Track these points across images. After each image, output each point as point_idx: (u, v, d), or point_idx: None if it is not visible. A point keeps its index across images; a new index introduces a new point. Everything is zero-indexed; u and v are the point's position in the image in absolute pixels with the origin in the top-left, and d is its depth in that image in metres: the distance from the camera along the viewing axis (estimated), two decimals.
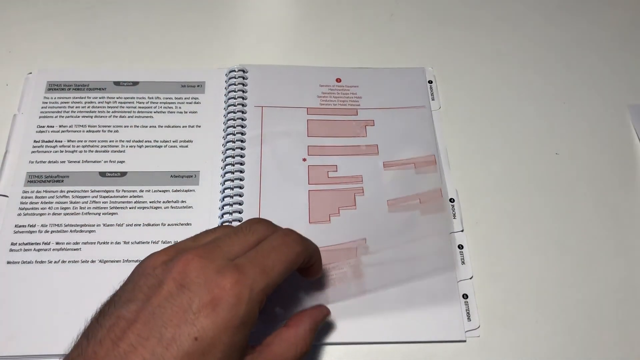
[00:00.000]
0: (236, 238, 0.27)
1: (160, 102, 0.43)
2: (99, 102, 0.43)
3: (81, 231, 0.37)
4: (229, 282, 0.24)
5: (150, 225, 0.38)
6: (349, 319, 0.35)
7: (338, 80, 0.45)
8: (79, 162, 0.40)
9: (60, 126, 0.41)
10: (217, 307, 0.23)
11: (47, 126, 0.41)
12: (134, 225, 0.38)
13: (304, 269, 0.31)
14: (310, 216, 0.38)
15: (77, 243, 0.37)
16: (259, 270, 0.25)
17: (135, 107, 0.43)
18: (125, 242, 0.37)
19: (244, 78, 0.44)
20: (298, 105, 0.43)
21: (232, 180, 0.39)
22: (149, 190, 0.39)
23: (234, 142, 0.41)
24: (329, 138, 0.42)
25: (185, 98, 0.43)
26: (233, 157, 0.40)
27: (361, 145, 0.42)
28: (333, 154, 0.41)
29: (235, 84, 0.44)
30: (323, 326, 0.34)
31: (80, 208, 0.38)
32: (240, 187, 0.39)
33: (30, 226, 0.37)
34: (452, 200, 0.40)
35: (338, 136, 0.42)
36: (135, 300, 0.24)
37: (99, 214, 0.38)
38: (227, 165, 0.40)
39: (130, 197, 0.39)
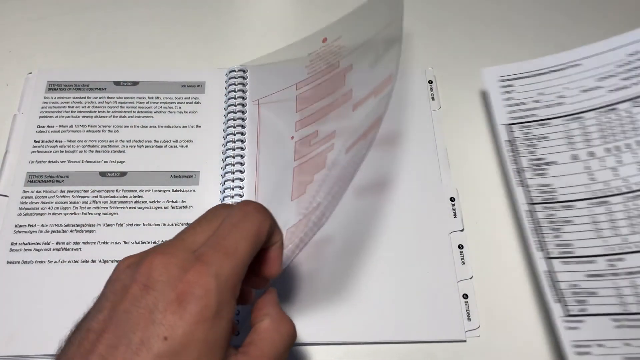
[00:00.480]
0: (199, 227, 0.26)
1: (160, 102, 0.43)
2: (99, 102, 0.43)
3: (81, 231, 0.37)
4: (192, 274, 0.22)
5: (150, 225, 0.38)
6: (349, 319, 0.35)
7: (324, 40, 0.42)
8: (79, 162, 0.40)
9: (60, 126, 0.41)
10: (184, 302, 0.22)
11: (47, 126, 0.41)
12: (134, 225, 0.38)
13: (262, 259, 0.27)
14: (292, 193, 0.37)
15: (77, 243, 0.37)
16: (222, 254, 0.23)
17: (135, 107, 0.43)
18: (125, 242, 0.37)
19: (243, 78, 0.44)
20: (288, 85, 0.42)
21: (232, 180, 0.39)
22: (149, 190, 0.39)
23: (234, 142, 0.41)
24: (313, 105, 0.39)
25: (185, 98, 0.43)
26: (233, 157, 0.40)
27: (338, 98, 0.38)
28: (316, 120, 0.39)
29: (235, 84, 0.44)
30: (324, 326, 0.34)
31: (80, 208, 0.38)
32: (241, 187, 0.39)
33: (30, 226, 0.37)
34: (452, 199, 0.40)
35: (321, 99, 0.39)
36: (102, 310, 0.23)
37: (99, 214, 0.38)
38: (227, 165, 0.40)
39: (130, 197, 0.39)
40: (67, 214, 0.38)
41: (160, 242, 0.27)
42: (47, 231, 0.37)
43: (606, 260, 0.33)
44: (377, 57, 0.38)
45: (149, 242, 0.37)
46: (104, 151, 0.40)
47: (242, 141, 0.41)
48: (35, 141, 0.41)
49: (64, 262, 0.36)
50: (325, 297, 0.35)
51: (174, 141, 0.41)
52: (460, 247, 0.38)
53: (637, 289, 0.32)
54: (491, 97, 0.41)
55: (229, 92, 0.44)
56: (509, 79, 0.41)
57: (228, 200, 0.38)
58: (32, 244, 0.36)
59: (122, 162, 0.40)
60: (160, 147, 0.41)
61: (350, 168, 0.34)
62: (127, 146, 0.41)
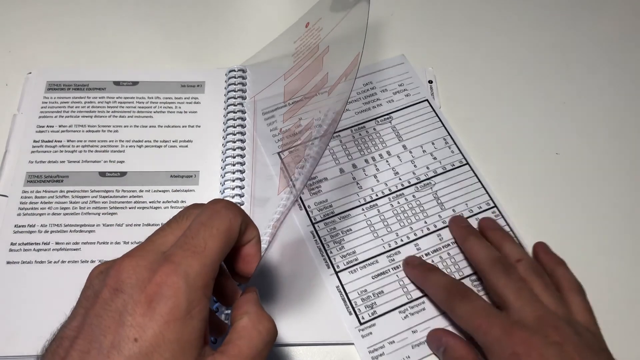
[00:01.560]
0: (169, 229, 0.25)
1: (160, 102, 0.43)
2: (98, 102, 0.43)
3: (81, 231, 0.37)
4: (161, 275, 0.22)
5: (149, 225, 0.38)
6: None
7: (307, 25, 0.41)
8: (78, 162, 0.40)
9: (60, 126, 0.41)
10: (153, 302, 0.22)
11: (47, 126, 0.41)
12: (134, 225, 0.38)
13: (238, 256, 0.27)
14: (279, 187, 0.38)
15: (76, 243, 0.37)
16: (190, 253, 0.23)
17: (135, 107, 0.43)
18: (125, 242, 0.37)
19: (243, 78, 0.44)
20: (277, 76, 0.42)
21: (232, 180, 0.39)
22: (148, 190, 0.39)
23: (234, 142, 0.41)
24: (297, 94, 0.40)
25: (185, 98, 0.43)
26: (233, 157, 0.40)
27: (317, 83, 0.39)
28: (299, 109, 0.40)
29: (235, 84, 0.44)
30: (326, 326, 0.34)
31: (80, 208, 0.38)
32: (241, 187, 0.39)
33: (30, 226, 0.37)
34: None
35: (303, 86, 0.40)
36: (76, 317, 0.23)
37: (99, 214, 0.38)
38: (227, 165, 0.40)
39: (130, 197, 0.39)
40: (67, 214, 0.38)
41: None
42: (46, 231, 0.37)
43: (387, 257, 0.37)
44: (347, 35, 0.38)
45: None
46: (103, 151, 0.40)
47: (242, 141, 0.41)
48: (34, 141, 0.41)
49: (63, 262, 0.36)
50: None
51: (173, 141, 0.41)
52: None
53: None
54: (259, 131, 0.42)
55: (229, 92, 0.44)
56: (270, 110, 0.43)
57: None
58: (31, 244, 0.36)
59: (121, 162, 0.40)
60: (159, 147, 0.41)
61: (317, 156, 0.36)
62: (126, 146, 0.41)
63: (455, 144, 0.42)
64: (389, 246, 0.37)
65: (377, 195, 0.39)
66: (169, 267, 0.23)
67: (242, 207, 0.38)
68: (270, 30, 0.46)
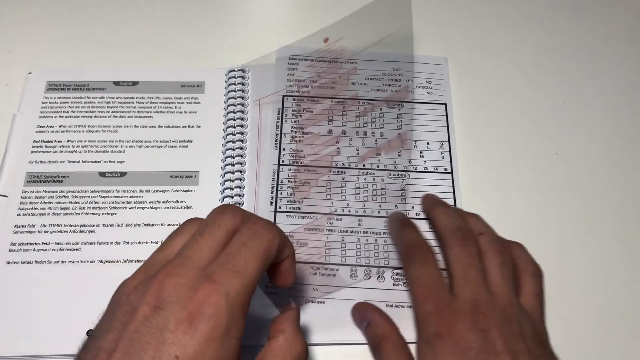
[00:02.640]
0: (203, 240, 0.26)
1: (160, 102, 0.43)
2: (98, 102, 0.43)
3: (81, 231, 0.37)
4: (202, 294, 0.23)
5: (149, 225, 0.38)
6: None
7: (326, 40, 0.43)
8: (78, 162, 0.40)
9: (59, 126, 0.41)
10: (195, 321, 0.22)
11: (47, 126, 0.41)
12: (134, 225, 0.38)
13: (275, 272, 0.29)
14: (295, 192, 0.39)
15: (76, 243, 0.37)
16: (231, 272, 0.24)
17: (134, 107, 0.43)
18: (125, 242, 0.37)
19: (243, 78, 0.44)
20: (289, 84, 0.43)
21: (232, 181, 0.39)
22: (148, 191, 0.39)
23: (233, 142, 0.41)
24: (316, 105, 0.42)
25: (185, 98, 0.43)
26: (233, 157, 0.40)
27: (342, 101, 0.42)
28: (319, 120, 0.41)
29: (235, 84, 0.44)
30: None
31: (80, 208, 0.38)
32: (240, 187, 0.39)
33: (30, 226, 0.37)
34: None
35: (323, 100, 0.42)
36: (113, 330, 0.23)
37: (99, 214, 0.38)
38: (227, 165, 0.40)
39: (130, 197, 0.39)
40: (67, 214, 0.38)
41: (159, 243, 0.28)
42: (46, 231, 0.37)
43: (327, 218, 0.39)
44: (383, 62, 0.42)
45: (148, 242, 0.37)
46: (103, 151, 0.40)
47: (242, 141, 0.41)
48: (34, 141, 0.41)
49: (63, 262, 0.36)
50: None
51: (173, 141, 0.41)
52: None
53: (345, 244, 0.38)
54: (277, 70, 0.45)
55: (229, 92, 0.44)
56: (297, 58, 0.46)
57: (228, 201, 0.38)
58: (31, 244, 0.36)
59: (121, 162, 0.40)
60: (159, 147, 0.41)
61: (393, 186, 0.38)
62: (126, 146, 0.41)
63: (450, 151, 0.42)
64: (335, 210, 0.39)
65: (350, 165, 0.41)
66: (211, 286, 0.23)
67: (241, 207, 0.38)
68: (270, 30, 0.46)
